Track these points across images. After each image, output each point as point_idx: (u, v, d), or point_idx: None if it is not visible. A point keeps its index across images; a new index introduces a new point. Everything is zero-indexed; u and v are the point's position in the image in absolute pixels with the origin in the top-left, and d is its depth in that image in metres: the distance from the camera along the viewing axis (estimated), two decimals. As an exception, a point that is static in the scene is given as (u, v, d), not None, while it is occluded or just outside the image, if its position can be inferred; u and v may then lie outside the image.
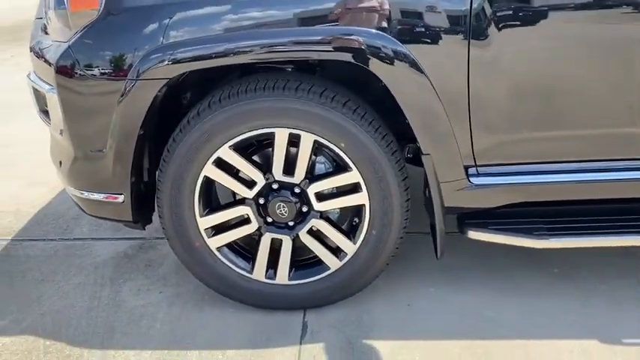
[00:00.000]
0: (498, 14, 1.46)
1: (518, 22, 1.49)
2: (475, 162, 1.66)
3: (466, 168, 1.67)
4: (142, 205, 1.81)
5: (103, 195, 1.76)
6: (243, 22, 1.56)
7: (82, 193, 1.80)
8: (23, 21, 7.84)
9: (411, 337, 1.73)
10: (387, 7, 1.49)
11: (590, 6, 1.51)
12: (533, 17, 1.49)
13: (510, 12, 1.47)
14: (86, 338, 1.80)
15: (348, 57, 1.54)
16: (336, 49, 1.54)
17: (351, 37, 1.52)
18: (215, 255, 1.80)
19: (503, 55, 1.50)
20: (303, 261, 1.84)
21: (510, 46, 1.50)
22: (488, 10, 1.46)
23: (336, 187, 1.74)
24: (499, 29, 1.48)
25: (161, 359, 1.70)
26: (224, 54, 1.56)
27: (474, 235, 1.76)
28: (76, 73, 1.64)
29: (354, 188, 1.70)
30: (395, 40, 1.50)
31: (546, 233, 1.72)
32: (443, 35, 1.49)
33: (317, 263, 1.82)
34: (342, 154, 1.65)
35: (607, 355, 1.63)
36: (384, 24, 1.51)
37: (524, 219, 1.76)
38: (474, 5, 1.45)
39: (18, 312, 1.94)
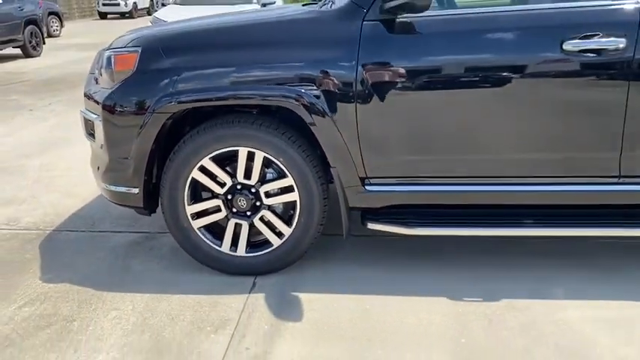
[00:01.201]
0: (372, 81, 2.37)
1: (386, 87, 2.39)
2: (367, 175, 2.54)
3: (362, 179, 2.55)
4: (150, 197, 2.70)
5: (124, 188, 2.66)
6: (224, 79, 2.50)
7: (110, 187, 2.70)
8: (56, 77, 9.07)
9: (324, 292, 2.56)
10: (309, 76, 2.42)
11: (424, 77, 2.41)
12: (396, 83, 2.39)
13: (380, 80, 2.38)
14: (105, 286, 2.65)
15: (289, 106, 2.44)
16: (282, 102, 2.45)
17: (290, 95, 2.43)
18: (197, 233, 2.67)
19: (377, 107, 2.39)
20: (256, 239, 2.71)
21: (381, 101, 2.39)
22: (367, 79, 2.38)
23: (279, 188, 2.62)
24: (374, 91, 2.38)
25: (153, 298, 2.54)
26: (210, 99, 2.49)
27: (370, 225, 2.62)
28: (115, 109, 2.57)
29: (289, 189, 2.58)
30: (315, 97, 2.41)
31: (416, 225, 2.58)
32: (340, 95, 2.40)
33: (265, 241, 2.68)
34: (281, 166, 2.54)
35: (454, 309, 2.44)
36: (310, 86, 2.42)
37: (402, 215, 2.62)
38: (358, 77, 2.37)
39: (57, 271, 2.80)
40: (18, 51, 11.82)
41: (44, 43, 12.65)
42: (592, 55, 2.29)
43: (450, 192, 2.57)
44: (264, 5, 9.27)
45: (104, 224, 3.35)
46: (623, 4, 2.30)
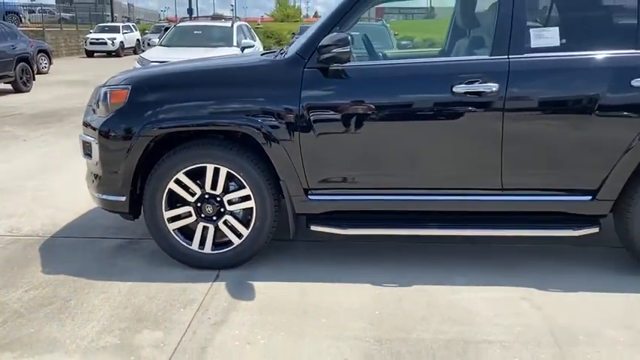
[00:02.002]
0: (310, 114, 3.08)
1: (321, 118, 3.09)
2: (309, 187, 3.22)
3: (305, 190, 3.23)
4: (134, 204, 3.34)
5: (114, 197, 3.30)
6: (195, 111, 3.19)
7: (103, 196, 3.34)
8: (46, 110, 9.72)
9: (273, 280, 3.20)
10: (265, 110, 3.11)
11: (350, 111, 3.12)
12: (329, 116, 3.10)
13: (316, 113, 3.08)
14: (96, 276, 3.26)
15: (250, 133, 3.13)
16: (245, 129, 3.14)
17: (251, 124, 3.11)
18: (172, 234, 3.31)
19: (315, 134, 3.09)
20: (221, 239, 3.35)
21: (318, 129, 3.09)
22: (307, 113, 3.08)
23: (239, 197, 3.28)
24: (312, 122, 3.08)
25: (135, 285, 3.15)
26: (184, 126, 3.17)
27: (313, 228, 3.28)
28: (109, 133, 3.24)
29: (247, 198, 3.24)
30: (269, 126, 3.10)
31: (347, 227, 3.25)
32: (288, 124, 3.10)
33: (228, 241, 3.32)
34: (241, 179, 3.21)
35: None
36: (266, 118, 3.12)
37: (338, 219, 3.29)
38: (300, 111, 3.07)
39: (56, 266, 3.40)
40: (9, 86, 12.46)
41: (34, 79, 13.34)
42: (475, 95, 3.02)
43: (375, 201, 3.27)
44: (243, 49, 10.06)
45: (95, 232, 3.96)
46: (496, 58, 3.05)
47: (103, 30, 29.65)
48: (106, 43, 28.26)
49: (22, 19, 30.72)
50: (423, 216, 3.32)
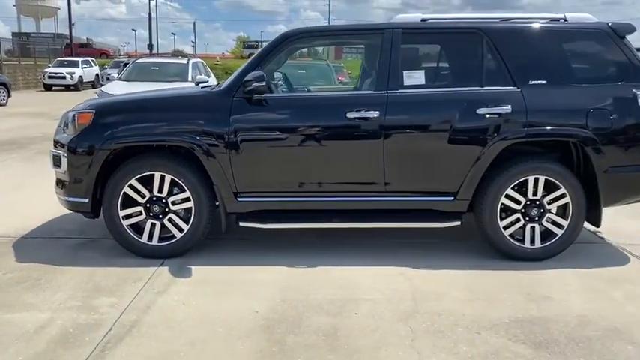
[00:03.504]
0: (238, 134, 3.98)
1: (246, 138, 4.00)
2: (238, 191, 4.10)
3: (234, 193, 4.10)
4: (96, 205, 4.13)
5: (78, 199, 4.09)
6: (146, 130, 4.04)
7: (69, 198, 4.12)
8: (6, 139, 10.32)
9: (208, 265, 4.03)
10: (203, 131, 4.00)
11: (269, 131, 4.04)
12: (252, 136, 4.01)
13: (242, 134, 3.99)
14: (62, 264, 4.01)
15: (190, 148, 3.99)
16: (186, 145, 4.00)
17: (192, 142, 3.98)
18: (126, 229, 4.11)
19: (241, 150, 3.98)
20: (166, 234, 4.16)
21: (244, 146, 3.99)
22: (235, 133, 3.98)
23: (181, 199, 4.12)
24: (239, 140, 3.98)
25: (94, 269, 3.93)
26: (136, 142, 4.02)
27: (241, 224, 4.14)
28: (76, 149, 4.06)
29: (187, 200, 4.09)
30: (206, 144, 3.98)
31: (268, 222, 4.13)
32: (221, 142, 3.99)
33: (172, 235, 4.14)
34: (183, 185, 4.06)
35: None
36: (204, 137, 4.00)
37: (262, 217, 4.16)
38: (230, 132, 3.97)
39: (27, 257, 4.14)
40: (-31, 117, 12.93)
41: (-6, 110, 13.83)
42: (363, 120, 4.00)
43: (290, 202, 4.17)
44: (197, 83, 10.95)
45: (60, 233, 4.71)
46: (378, 93, 4.05)
47: (62, 64, 30.07)
48: (64, 77, 28.64)
49: None
50: (329, 213, 4.24)
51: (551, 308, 3.41)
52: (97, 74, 31.25)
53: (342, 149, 4.07)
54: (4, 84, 18.86)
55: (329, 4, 76.78)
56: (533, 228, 4.16)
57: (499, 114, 3.99)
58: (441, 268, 4.04)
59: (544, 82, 4.06)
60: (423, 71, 4.12)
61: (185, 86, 10.58)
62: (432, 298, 3.54)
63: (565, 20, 4.25)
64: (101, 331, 3.06)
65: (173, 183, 4.08)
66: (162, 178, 4.06)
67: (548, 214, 4.15)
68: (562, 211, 4.19)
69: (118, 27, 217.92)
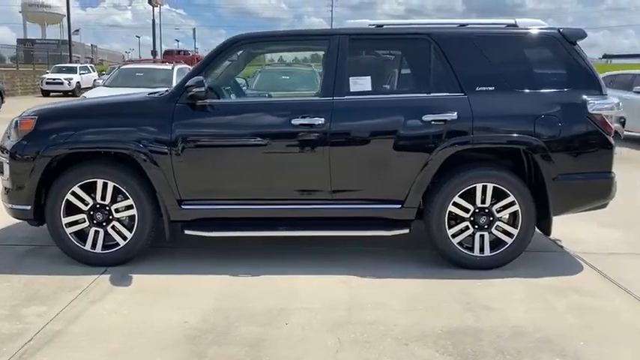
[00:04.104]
0: (180, 140, 3.93)
1: (188, 143, 3.94)
2: (182, 198, 4.05)
3: (178, 201, 4.05)
4: (38, 213, 4.09)
5: (22, 206, 4.05)
6: (88, 137, 4.00)
7: (13, 206, 4.08)
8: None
9: (149, 274, 3.97)
10: (146, 136, 3.95)
11: (211, 137, 3.99)
12: (195, 141, 3.96)
13: (184, 140, 3.93)
14: (10, 270, 3.97)
15: (132, 154, 3.95)
16: (127, 152, 3.96)
17: (133, 148, 3.94)
18: (69, 237, 4.06)
19: (184, 156, 3.94)
20: (109, 242, 4.11)
21: (186, 152, 3.94)
22: (177, 139, 3.93)
23: (124, 207, 4.07)
24: (181, 146, 3.93)
25: (38, 276, 3.88)
26: (77, 148, 3.98)
27: (186, 231, 4.09)
28: (18, 155, 4.01)
29: (130, 207, 4.04)
30: (148, 150, 3.93)
31: (212, 230, 4.08)
32: (163, 148, 3.94)
33: (116, 243, 4.09)
34: (126, 192, 4.01)
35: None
36: (146, 143, 3.95)
37: (206, 225, 4.10)
38: (172, 137, 3.92)
39: (-28, 265, 4.11)
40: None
41: (-17, 116, 13.86)
42: (308, 126, 3.94)
43: (235, 209, 4.11)
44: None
45: (10, 241, 4.67)
46: (324, 99, 3.99)
47: (60, 70, 30.18)
48: (62, 83, 28.73)
49: None
50: (276, 221, 4.18)
51: (488, 319, 3.34)
52: (95, 80, 31.29)
53: (288, 156, 4.02)
54: (-3, 90, 18.93)
55: (331, 11, 76.95)
56: (482, 236, 4.09)
57: (445, 121, 3.93)
58: (388, 276, 3.97)
59: (492, 88, 4.00)
60: (369, 77, 4.06)
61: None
62: (369, 307, 3.47)
63: (515, 26, 4.20)
64: (20, 341, 3.00)
65: (117, 190, 4.04)
66: (105, 185, 4.01)
67: (497, 223, 4.09)
68: (512, 220, 4.12)
69: (124, 33, 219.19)
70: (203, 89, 3.85)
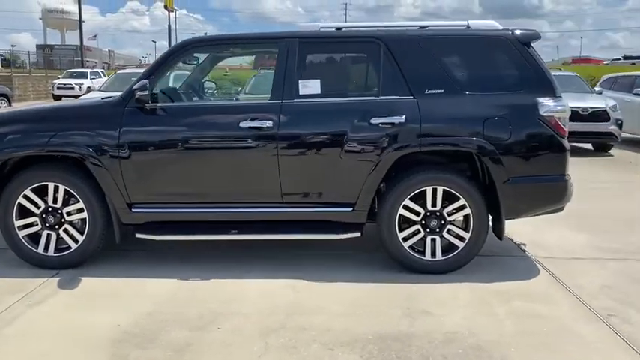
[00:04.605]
0: (128, 144, 3.94)
1: (136, 147, 3.95)
2: (132, 202, 4.06)
3: (128, 204, 4.07)
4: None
5: (-25, 211, 4.10)
6: (36, 140, 4.02)
7: (-34, 210, 4.14)
8: None
9: (98, 276, 3.99)
10: (95, 140, 3.98)
11: (160, 140, 4.00)
12: (142, 145, 3.97)
13: (132, 143, 3.94)
14: (-44, 274, 4.03)
15: (80, 158, 3.98)
16: (76, 155, 3.99)
17: (81, 151, 3.97)
18: (21, 239, 4.10)
19: (132, 160, 3.95)
20: (62, 245, 4.14)
21: (134, 156, 3.95)
22: (125, 142, 3.95)
23: (76, 209, 4.10)
24: (129, 150, 3.95)
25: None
26: (28, 152, 4.01)
27: (138, 235, 4.11)
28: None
29: (82, 210, 4.07)
30: (97, 153, 3.96)
31: (162, 233, 4.08)
32: (111, 152, 3.96)
33: (68, 246, 4.11)
34: (76, 194, 4.04)
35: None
36: (96, 146, 3.98)
37: (157, 228, 4.12)
38: (120, 141, 3.94)
39: None
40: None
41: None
42: (256, 129, 3.93)
43: (185, 213, 4.12)
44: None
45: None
46: (273, 102, 3.98)
47: (71, 75, 30.62)
48: (73, 88, 29.09)
49: None
50: (228, 224, 4.17)
51: (424, 324, 3.30)
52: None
53: (237, 159, 4.01)
54: (4, 95, 19.27)
55: (345, 15, 77.08)
56: (434, 240, 4.04)
57: (392, 124, 3.90)
58: (336, 280, 3.94)
59: (441, 91, 3.96)
60: (318, 80, 4.04)
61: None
62: (308, 312, 3.45)
63: (468, 27, 4.15)
64: (-51, 343, 3.04)
65: (68, 193, 4.06)
66: (57, 189, 4.04)
67: (449, 226, 4.03)
68: (464, 223, 4.07)
69: (142, 39, 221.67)
70: (146, 92, 3.86)
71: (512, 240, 4.93)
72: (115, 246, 4.28)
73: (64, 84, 29.32)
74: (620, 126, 10.72)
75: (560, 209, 4.18)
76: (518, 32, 4.04)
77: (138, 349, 2.99)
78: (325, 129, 3.99)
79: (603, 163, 9.91)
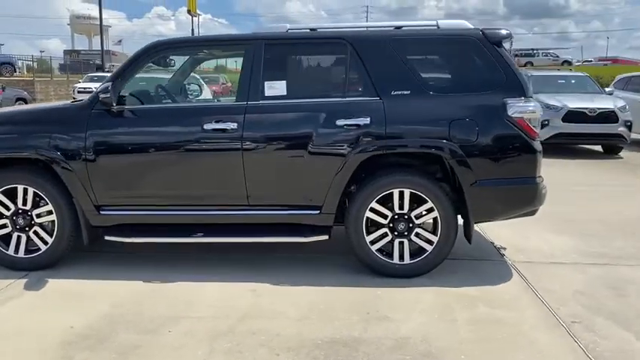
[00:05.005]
0: (94, 146, 3.96)
1: (103, 149, 3.97)
2: (99, 204, 4.08)
3: (96, 207, 4.08)
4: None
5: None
6: (3, 143, 4.07)
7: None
8: None
9: (67, 278, 4.02)
10: (63, 143, 4.00)
11: (125, 143, 4.00)
12: (109, 147, 3.98)
13: (99, 145, 3.96)
14: None
15: (47, 161, 4.01)
16: (44, 158, 4.02)
17: (48, 154, 4.01)
18: (-7, 242, 4.16)
19: (98, 161, 3.97)
20: (32, 247, 4.18)
21: (101, 158, 3.96)
22: (91, 145, 3.97)
23: (46, 211, 4.12)
24: (96, 152, 3.96)
25: (-44, 281, 3.98)
26: None
27: (106, 237, 4.13)
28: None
29: (51, 212, 4.09)
30: (64, 155, 3.98)
31: (130, 236, 4.09)
32: (78, 154, 3.99)
33: (38, 248, 4.15)
34: (45, 197, 4.07)
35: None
36: (63, 148, 4.01)
37: (126, 230, 4.12)
38: (87, 143, 3.96)
39: None
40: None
41: None
42: (221, 131, 3.91)
43: (152, 215, 4.12)
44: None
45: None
46: (238, 104, 3.96)
47: (92, 79, 31.04)
48: (92, 91, 29.56)
49: (16, 70, 32.12)
50: (195, 227, 4.15)
51: (378, 330, 3.23)
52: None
53: (203, 162, 4.00)
54: (22, 99, 19.67)
55: (367, 17, 76.99)
56: (401, 243, 3.97)
57: (358, 125, 3.84)
58: (301, 284, 3.89)
59: (407, 92, 3.89)
60: (284, 82, 4.00)
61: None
62: (264, 316, 3.41)
63: (438, 28, 4.07)
64: None
65: (37, 195, 4.09)
66: (26, 191, 4.08)
67: (416, 229, 3.96)
68: (433, 226, 3.98)
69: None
70: (108, 95, 3.88)
71: (493, 244, 4.83)
72: (87, 248, 4.29)
73: (85, 88, 29.70)
74: (629, 127, 10.45)
75: (533, 212, 4.07)
76: (487, 31, 3.94)
77: (85, 352, 2.98)
78: (290, 131, 3.95)
79: (610, 166, 9.66)
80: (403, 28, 4.21)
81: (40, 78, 31.11)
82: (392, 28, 4.23)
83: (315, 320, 3.36)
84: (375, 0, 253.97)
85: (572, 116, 10.34)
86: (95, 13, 69.16)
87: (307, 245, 4.17)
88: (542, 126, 10.52)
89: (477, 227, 5.16)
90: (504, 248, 4.71)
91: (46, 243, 4.13)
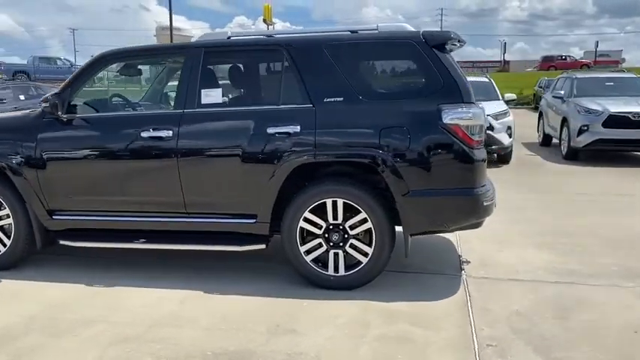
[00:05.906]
0: (43, 152, 4.12)
1: (51, 156, 4.12)
2: (51, 209, 4.24)
3: (48, 211, 4.25)
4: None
5: None
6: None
7: None
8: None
9: (26, 280, 4.20)
10: (16, 150, 4.21)
11: (73, 150, 4.13)
12: (57, 153, 4.13)
13: (47, 152, 4.12)
14: None
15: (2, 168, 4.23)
16: (1, 165, 4.24)
17: (3, 160, 4.22)
18: (-40, 243, 4.42)
19: (47, 168, 4.13)
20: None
21: (49, 164, 4.12)
22: (41, 151, 4.13)
23: (5, 215, 4.34)
24: (45, 158, 4.12)
25: None
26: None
27: (62, 242, 4.28)
28: None
29: (8, 216, 4.30)
30: (16, 163, 4.18)
31: (80, 240, 4.22)
32: (29, 160, 4.16)
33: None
34: (2, 201, 4.27)
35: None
36: (16, 155, 4.21)
37: (77, 235, 4.26)
38: (37, 150, 4.13)
39: None
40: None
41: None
42: (157, 139, 3.96)
43: (98, 220, 4.23)
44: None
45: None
46: (174, 112, 4.00)
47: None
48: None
49: (30, 77, 32.56)
50: (135, 233, 4.22)
51: (278, 343, 3.13)
52: None
53: (141, 169, 4.06)
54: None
55: (441, 20, 75.47)
56: (336, 254, 3.84)
57: (288, 133, 3.77)
58: (230, 293, 3.85)
59: (340, 99, 3.76)
60: (220, 89, 4.00)
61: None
62: (175, 324, 3.40)
63: (377, 31, 3.92)
64: None
65: (-2, 203, 4.32)
66: (-8, 200, 4.31)
67: (351, 240, 3.82)
68: (368, 238, 3.83)
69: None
70: (48, 104, 4.03)
71: (460, 257, 4.58)
72: (51, 251, 4.48)
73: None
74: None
75: (477, 225, 3.82)
76: (427, 34, 3.75)
77: (-17, 352, 3.10)
78: (224, 138, 3.94)
79: (651, 174, 8.90)
80: (360, 31, 4.10)
81: (59, 83, 32.32)
82: (348, 33, 4.13)
83: (223, 330, 3.31)
84: (455, 2, 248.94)
85: (614, 121, 9.65)
86: (181, 24, 72.51)
87: (256, 254, 4.13)
88: (581, 132, 9.91)
89: (451, 238, 4.95)
90: (468, 262, 4.45)
91: (4, 245, 4.35)
